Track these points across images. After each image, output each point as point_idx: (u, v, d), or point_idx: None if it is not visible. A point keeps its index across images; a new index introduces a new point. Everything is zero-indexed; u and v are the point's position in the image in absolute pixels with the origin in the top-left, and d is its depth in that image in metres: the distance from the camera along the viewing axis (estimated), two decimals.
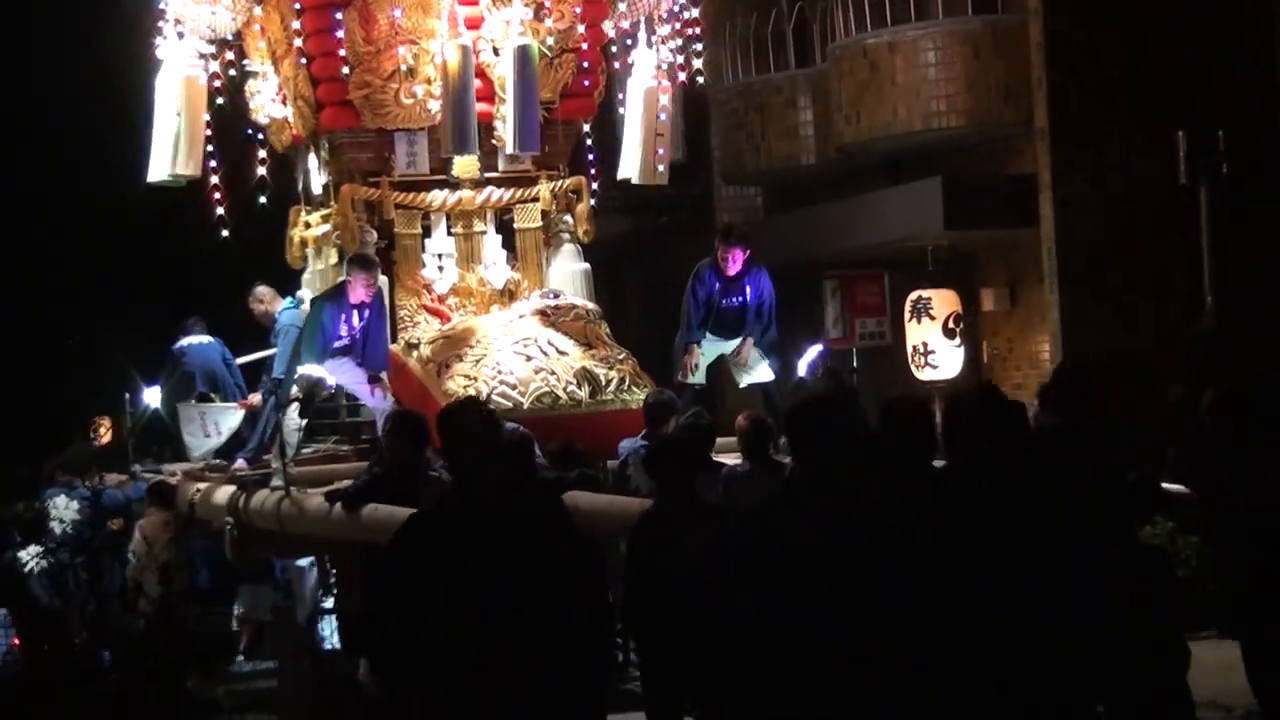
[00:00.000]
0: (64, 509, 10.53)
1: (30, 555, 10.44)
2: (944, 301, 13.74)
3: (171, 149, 9.74)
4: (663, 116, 10.15)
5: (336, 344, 8.99)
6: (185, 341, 10.49)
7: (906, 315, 13.85)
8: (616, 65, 10.29)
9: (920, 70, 13.59)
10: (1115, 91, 12.93)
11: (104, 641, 10.33)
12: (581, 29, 9.71)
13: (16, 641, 10.67)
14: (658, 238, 16.74)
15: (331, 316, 8.94)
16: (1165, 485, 6.39)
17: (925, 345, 13.74)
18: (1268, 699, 6.19)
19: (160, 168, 9.80)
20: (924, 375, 13.70)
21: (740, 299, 9.45)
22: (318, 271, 10.21)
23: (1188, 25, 12.93)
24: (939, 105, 13.58)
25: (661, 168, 10.26)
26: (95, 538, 10.55)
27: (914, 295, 13.81)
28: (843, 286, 14.58)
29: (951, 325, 13.67)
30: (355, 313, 9.00)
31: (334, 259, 9.87)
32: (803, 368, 9.58)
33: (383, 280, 9.50)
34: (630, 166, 10.29)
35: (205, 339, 10.52)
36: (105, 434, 11.50)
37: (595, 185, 10.30)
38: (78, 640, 10.40)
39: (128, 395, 10.48)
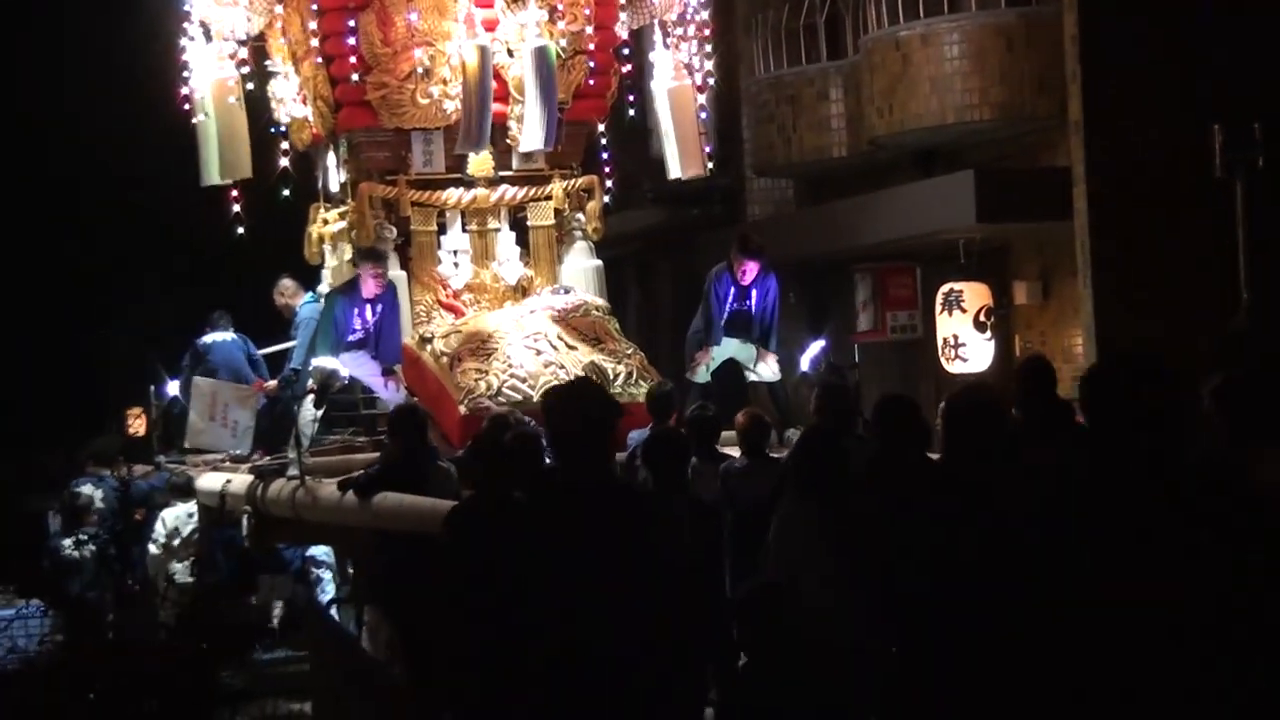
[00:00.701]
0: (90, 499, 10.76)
1: (68, 545, 10.71)
2: (976, 294, 13.65)
3: (217, 151, 9.97)
4: (704, 115, 10.33)
5: (350, 337, 9.20)
6: (209, 338, 10.62)
7: (938, 308, 13.77)
8: (629, 67, 10.39)
9: (953, 62, 13.49)
10: (1149, 84, 12.77)
11: (136, 631, 10.52)
12: (591, 30, 9.83)
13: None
14: (689, 230, 16.79)
15: (344, 310, 9.16)
16: None
17: (956, 338, 13.67)
18: None
19: (212, 171, 10.02)
20: (954, 368, 13.64)
21: (748, 304, 9.70)
22: (334, 267, 10.43)
23: (1223, 17, 12.75)
24: (971, 97, 13.48)
25: (710, 165, 10.54)
26: (124, 528, 10.78)
27: (946, 288, 13.73)
28: (874, 279, 14.52)
29: (983, 318, 13.59)
30: (368, 307, 9.22)
31: (349, 255, 10.07)
32: (805, 363, 9.68)
33: (400, 275, 9.71)
34: (675, 165, 10.44)
35: (229, 335, 10.64)
36: (136, 424, 11.69)
37: (610, 184, 10.43)
38: (110, 630, 10.62)
39: (153, 388, 10.68)
